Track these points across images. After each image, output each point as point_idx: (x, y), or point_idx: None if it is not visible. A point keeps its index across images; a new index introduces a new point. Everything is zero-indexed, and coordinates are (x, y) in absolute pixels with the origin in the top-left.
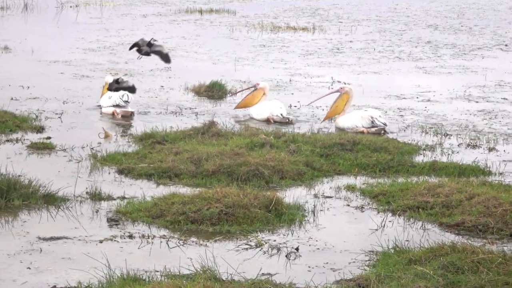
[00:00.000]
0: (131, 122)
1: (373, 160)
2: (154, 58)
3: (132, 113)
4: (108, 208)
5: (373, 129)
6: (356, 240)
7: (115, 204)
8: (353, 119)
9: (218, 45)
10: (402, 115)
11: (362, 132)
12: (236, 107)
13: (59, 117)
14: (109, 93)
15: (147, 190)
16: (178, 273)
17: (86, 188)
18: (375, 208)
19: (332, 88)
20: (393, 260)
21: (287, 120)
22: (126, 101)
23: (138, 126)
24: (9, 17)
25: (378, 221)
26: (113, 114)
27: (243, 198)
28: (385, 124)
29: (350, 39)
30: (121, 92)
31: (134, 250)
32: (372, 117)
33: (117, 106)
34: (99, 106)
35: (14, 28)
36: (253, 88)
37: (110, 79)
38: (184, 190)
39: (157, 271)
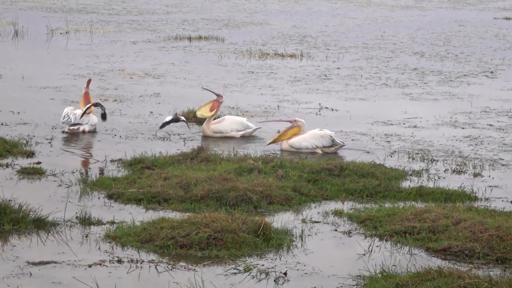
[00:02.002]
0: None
1: (361, 185)
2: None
3: (83, 131)
4: (98, 233)
5: (333, 148)
6: (344, 264)
7: (105, 229)
8: (312, 139)
9: (207, 71)
10: (389, 141)
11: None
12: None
13: (49, 142)
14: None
15: (136, 215)
16: None
17: (76, 212)
18: (363, 233)
19: (290, 118)
20: (380, 285)
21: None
22: (66, 122)
23: (128, 152)
24: (0, 44)
25: (366, 246)
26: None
27: (232, 223)
28: (342, 142)
29: (338, 66)
30: (78, 112)
31: (123, 274)
32: (331, 136)
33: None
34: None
35: (4, 54)
36: (215, 98)
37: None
38: (173, 215)
39: None
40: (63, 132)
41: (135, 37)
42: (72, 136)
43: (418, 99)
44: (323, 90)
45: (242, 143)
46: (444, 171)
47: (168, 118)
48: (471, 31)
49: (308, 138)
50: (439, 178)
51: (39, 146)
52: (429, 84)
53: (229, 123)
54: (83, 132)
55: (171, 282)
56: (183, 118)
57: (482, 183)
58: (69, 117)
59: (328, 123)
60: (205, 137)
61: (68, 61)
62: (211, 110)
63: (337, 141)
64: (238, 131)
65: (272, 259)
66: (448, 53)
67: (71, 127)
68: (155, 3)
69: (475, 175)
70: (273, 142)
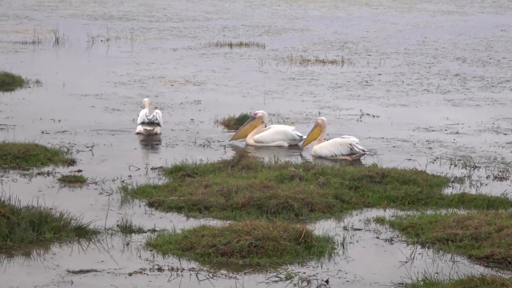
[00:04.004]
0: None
1: (402, 192)
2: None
3: (156, 132)
4: (139, 241)
5: (353, 156)
6: (386, 272)
7: (146, 237)
8: (331, 147)
9: (247, 78)
10: (430, 148)
11: (345, 159)
12: (233, 139)
13: (90, 150)
14: (142, 111)
15: (177, 223)
16: None
17: (117, 221)
18: (404, 241)
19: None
20: None
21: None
22: (152, 121)
23: (168, 159)
24: (41, 51)
25: (408, 254)
26: (138, 132)
27: (273, 231)
28: (363, 151)
29: (379, 72)
30: (154, 112)
31: (163, 283)
32: (351, 144)
33: (143, 123)
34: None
35: (45, 62)
36: (251, 119)
37: (144, 100)
38: (214, 222)
39: None
40: (137, 133)
41: (175, 44)
42: (113, 143)
43: (460, 105)
44: (364, 96)
45: (282, 151)
46: (486, 177)
47: None
48: None
49: (328, 146)
50: (481, 185)
51: (80, 154)
52: (471, 90)
53: (271, 133)
54: (156, 133)
55: None
56: None
57: None
58: (150, 117)
59: (370, 130)
60: (248, 146)
61: (108, 69)
62: (255, 132)
63: (356, 149)
64: (282, 140)
65: (313, 267)
66: (490, 58)
67: (148, 128)
68: (196, 10)
69: None
70: (305, 144)
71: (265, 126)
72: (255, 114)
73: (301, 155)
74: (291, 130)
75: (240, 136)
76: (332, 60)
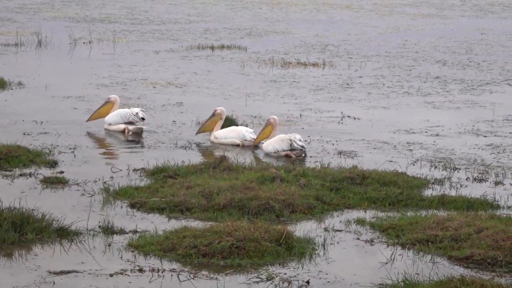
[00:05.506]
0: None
1: (383, 194)
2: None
3: (142, 131)
4: (120, 242)
5: (294, 152)
6: (366, 273)
7: (127, 238)
8: (274, 143)
9: (229, 80)
10: (411, 150)
11: (287, 156)
12: (198, 132)
13: (72, 152)
14: (120, 110)
15: (159, 224)
16: None
17: (99, 222)
18: (385, 242)
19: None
20: None
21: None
22: (142, 118)
23: (150, 160)
24: (23, 53)
25: (388, 255)
26: (124, 130)
27: (254, 232)
28: (302, 147)
29: (360, 74)
30: (135, 109)
31: (145, 284)
32: (290, 140)
33: (130, 123)
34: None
35: (28, 64)
36: (211, 115)
37: (115, 98)
38: (195, 223)
39: None
40: (129, 133)
41: (157, 46)
42: (95, 145)
43: (440, 108)
44: (345, 98)
45: (234, 148)
46: (466, 179)
47: None
48: (493, 39)
49: (273, 142)
50: (461, 187)
51: (62, 156)
52: (451, 93)
53: (226, 131)
54: (142, 131)
55: None
56: None
57: (504, 191)
58: (141, 115)
59: (351, 132)
60: (212, 143)
61: (91, 71)
62: (215, 127)
63: (295, 145)
64: (234, 139)
65: (294, 268)
66: (470, 61)
67: (143, 126)
68: (178, 13)
69: (497, 183)
70: (255, 144)
71: (231, 123)
72: (215, 111)
73: (252, 152)
74: (244, 131)
75: (203, 130)
76: (313, 62)
